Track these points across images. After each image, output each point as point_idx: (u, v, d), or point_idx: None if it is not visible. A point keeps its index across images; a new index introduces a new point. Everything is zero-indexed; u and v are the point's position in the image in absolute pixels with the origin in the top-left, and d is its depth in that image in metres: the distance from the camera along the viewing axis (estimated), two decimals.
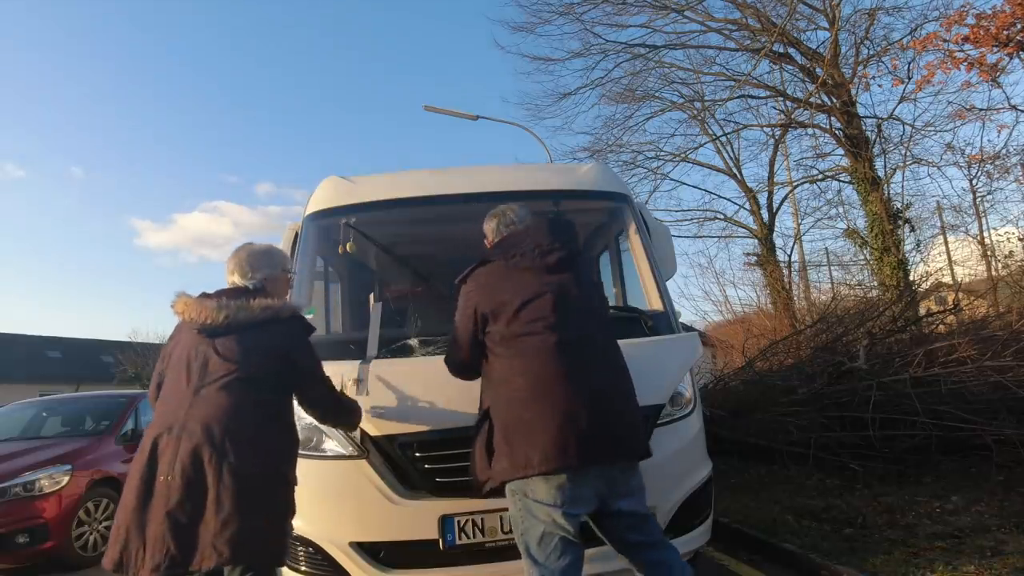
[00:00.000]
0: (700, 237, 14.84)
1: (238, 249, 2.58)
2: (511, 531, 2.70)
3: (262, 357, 2.30)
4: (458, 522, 2.71)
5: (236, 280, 2.49)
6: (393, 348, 3.03)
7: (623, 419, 2.28)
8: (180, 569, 2.05)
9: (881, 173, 11.03)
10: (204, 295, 2.41)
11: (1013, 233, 9.93)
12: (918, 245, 11.57)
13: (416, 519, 2.72)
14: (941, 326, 7.00)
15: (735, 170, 14.49)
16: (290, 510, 2.32)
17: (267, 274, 2.53)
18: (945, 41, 8.94)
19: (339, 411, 2.58)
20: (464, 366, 2.53)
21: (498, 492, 2.31)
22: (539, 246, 2.40)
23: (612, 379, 2.34)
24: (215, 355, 2.27)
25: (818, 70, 11.19)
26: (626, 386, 2.37)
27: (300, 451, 2.84)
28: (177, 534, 2.04)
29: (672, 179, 14.20)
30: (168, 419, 2.21)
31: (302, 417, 2.85)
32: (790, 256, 14.41)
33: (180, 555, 2.03)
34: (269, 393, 2.30)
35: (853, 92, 11.10)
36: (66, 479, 5.38)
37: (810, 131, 12.45)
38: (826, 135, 11.79)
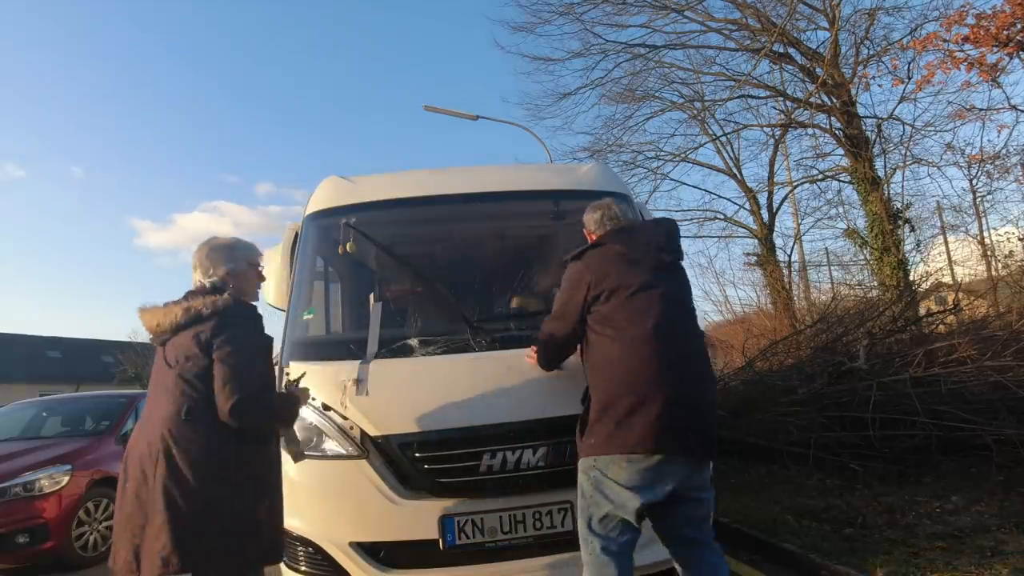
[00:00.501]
0: (700, 237, 14.84)
1: (201, 244, 2.51)
2: (511, 531, 2.71)
3: (190, 360, 2.25)
4: (458, 522, 2.71)
5: (198, 277, 2.44)
6: (393, 348, 3.02)
7: (708, 418, 2.40)
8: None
9: (881, 173, 11.02)
10: (168, 303, 2.39)
11: (1013, 233, 9.92)
12: (918, 245, 11.57)
13: (416, 519, 2.72)
14: (941, 326, 7.00)
15: (735, 170, 14.48)
16: (242, 515, 2.20)
17: (230, 269, 2.44)
18: (945, 41, 8.93)
19: (246, 412, 2.22)
20: (565, 340, 2.62)
21: None
22: (657, 244, 2.56)
23: (701, 380, 2.46)
24: (162, 362, 2.33)
25: (818, 70, 11.19)
26: (711, 389, 2.51)
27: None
28: (128, 543, 2.11)
29: (672, 179, 14.21)
30: (138, 426, 2.33)
31: (303, 417, 2.86)
32: (790, 256, 14.41)
33: (135, 563, 2.09)
34: (205, 395, 2.21)
35: (853, 92, 11.09)
36: (66, 479, 5.38)
37: (810, 131, 12.45)
38: (826, 135, 11.79)
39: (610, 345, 2.39)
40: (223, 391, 2.19)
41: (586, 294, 2.49)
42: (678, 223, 2.89)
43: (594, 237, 2.75)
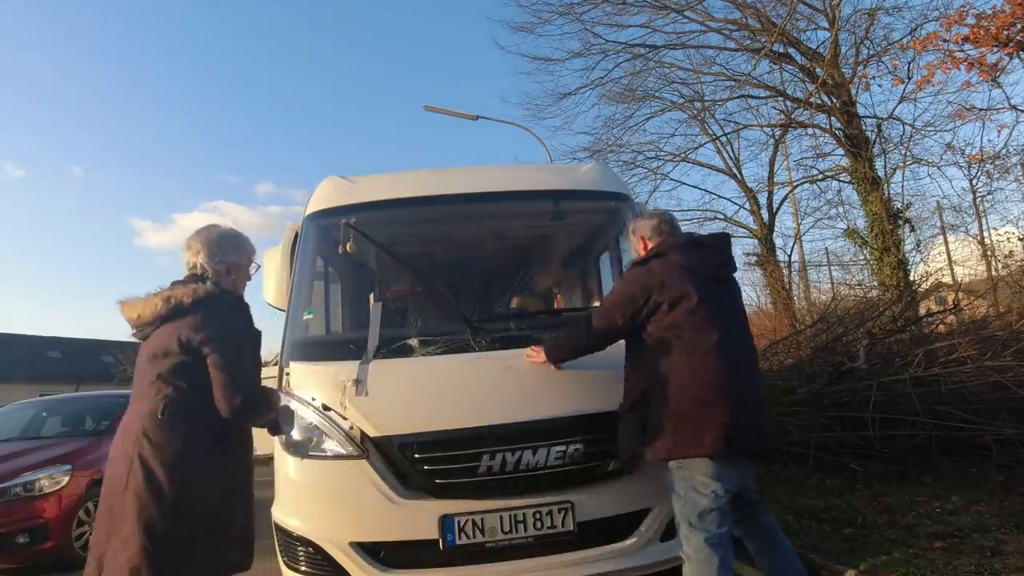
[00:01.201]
0: None
1: (207, 228, 2.42)
2: (511, 531, 2.71)
3: (169, 355, 2.13)
4: (458, 522, 2.71)
5: (200, 261, 2.32)
6: (393, 348, 3.02)
7: (766, 419, 2.73)
8: None
9: (881, 173, 11.02)
10: (151, 294, 2.28)
11: (1013, 233, 9.91)
12: (918, 245, 11.57)
13: (416, 519, 2.72)
14: (941, 326, 6.99)
15: (735, 170, 14.49)
16: (216, 519, 2.11)
17: (236, 260, 2.41)
18: (945, 41, 8.93)
19: (249, 410, 2.21)
20: (611, 334, 2.74)
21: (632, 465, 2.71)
22: (715, 258, 2.77)
23: (759, 383, 2.76)
24: (142, 358, 2.21)
25: (818, 70, 11.18)
26: (762, 390, 2.76)
27: (300, 451, 2.86)
28: (98, 548, 2.02)
29: (672, 179, 14.21)
30: (118, 430, 2.21)
31: (302, 417, 2.86)
32: (790, 256, 14.42)
33: (98, 572, 2.01)
34: (185, 393, 2.12)
35: (853, 92, 11.09)
36: (66, 479, 5.38)
37: (810, 131, 12.45)
38: (826, 135, 11.78)
39: (677, 353, 2.55)
40: (224, 389, 2.11)
41: (648, 300, 2.62)
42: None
43: (649, 243, 2.88)
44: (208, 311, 2.16)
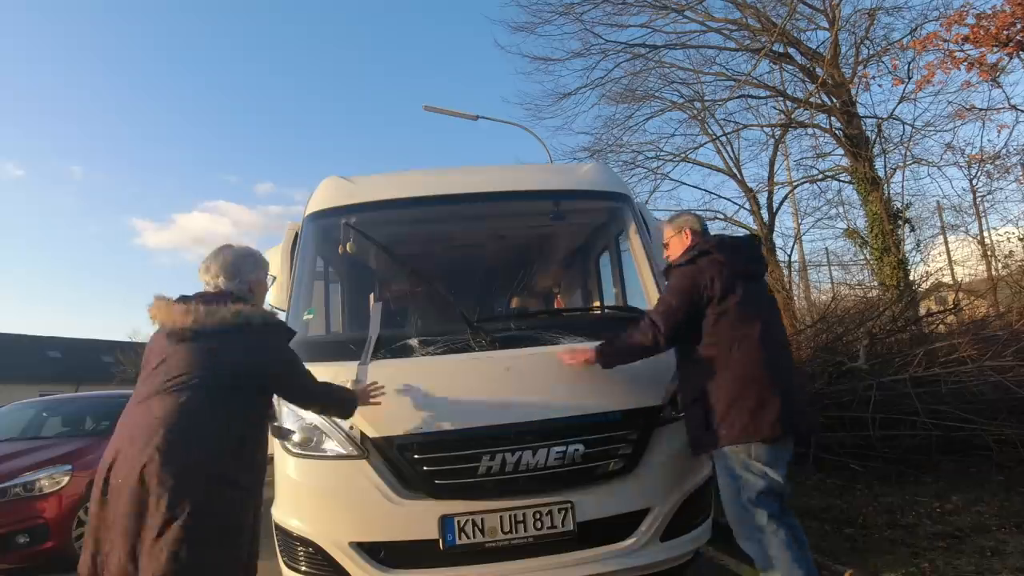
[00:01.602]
0: None
1: (221, 250, 2.49)
2: (511, 531, 2.71)
3: (226, 365, 2.22)
4: (458, 522, 2.71)
5: (220, 283, 2.41)
6: (393, 348, 3.02)
7: (804, 404, 2.95)
8: None
9: (881, 173, 11.03)
10: (182, 298, 2.33)
11: (1013, 233, 9.91)
12: (918, 245, 11.59)
13: (416, 519, 2.72)
14: (941, 326, 6.99)
15: (735, 170, 14.47)
16: (240, 521, 2.18)
17: (256, 278, 2.52)
18: (945, 41, 8.93)
19: (329, 403, 2.61)
20: (678, 333, 2.80)
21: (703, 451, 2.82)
22: (752, 257, 2.97)
23: (796, 374, 3.06)
24: (177, 359, 2.20)
25: (818, 70, 11.18)
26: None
27: (300, 451, 2.86)
28: (125, 541, 1.99)
29: (672, 179, 14.19)
30: (123, 428, 2.19)
31: (302, 417, 2.86)
32: (790, 256, 14.40)
33: (131, 565, 1.98)
34: (230, 401, 2.21)
35: (853, 92, 11.09)
36: (66, 479, 5.38)
37: (810, 131, 12.45)
38: (826, 135, 11.78)
39: (730, 346, 2.69)
40: (297, 397, 2.52)
41: (702, 297, 2.75)
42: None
43: (689, 240, 3.01)
44: (276, 333, 2.39)
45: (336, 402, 2.62)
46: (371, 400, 2.74)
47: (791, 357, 2.97)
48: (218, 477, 2.12)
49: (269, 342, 2.35)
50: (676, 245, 3.08)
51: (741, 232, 14.42)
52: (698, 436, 2.79)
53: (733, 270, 2.79)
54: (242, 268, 2.46)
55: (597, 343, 2.91)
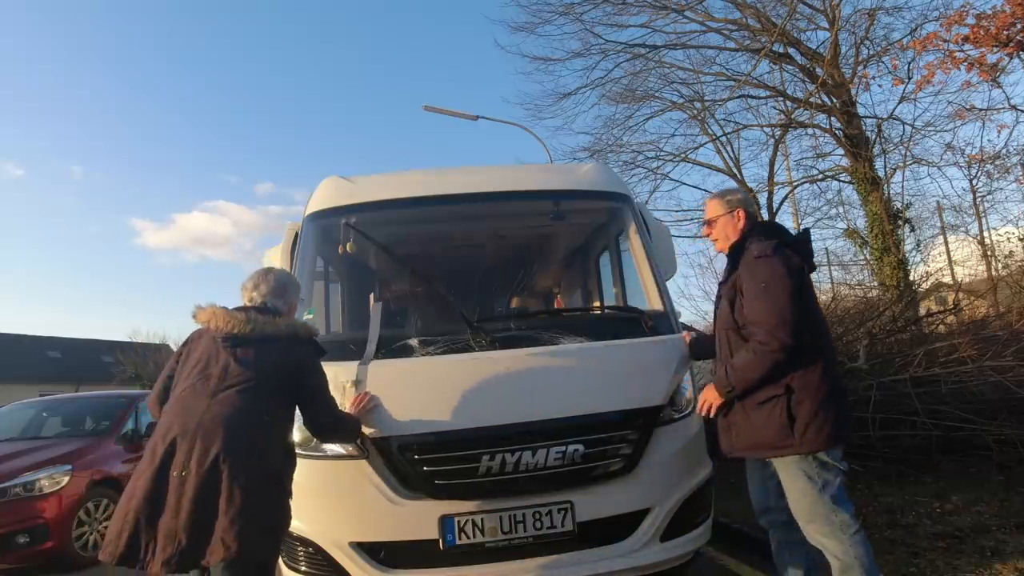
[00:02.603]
0: (700, 237, 14.76)
1: (269, 271, 2.75)
2: (511, 531, 2.71)
3: (278, 369, 2.43)
4: (458, 522, 2.71)
5: (267, 300, 2.64)
6: (393, 348, 3.02)
7: None
8: (189, 563, 2.11)
9: (881, 173, 11.03)
10: (237, 308, 2.55)
11: (1013, 233, 9.90)
12: (918, 245, 11.58)
13: (416, 519, 2.72)
14: (941, 326, 6.99)
15: (735, 170, 14.45)
16: (286, 517, 2.39)
17: (293, 301, 2.76)
18: (945, 41, 8.93)
19: (337, 430, 2.69)
20: (798, 327, 2.45)
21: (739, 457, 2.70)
22: (811, 255, 2.75)
23: None
24: (235, 362, 2.39)
25: (818, 70, 11.19)
26: None
27: (300, 451, 2.86)
28: (190, 528, 2.11)
29: (672, 179, 14.16)
30: (185, 418, 2.30)
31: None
32: None
33: (190, 549, 2.10)
34: (278, 404, 2.42)
35: (853, 92, 11.09)
36: (66, 479, 5.38)
37: (810, 131, 12.44)
38: (826, 135, 11.78)
39: (818, 346, 2.53)
40: (329, 410, 2.58)
41: (800, 287, 2.52)
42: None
43: (743, 223, 2.75)
44: (315, 348, 2.60)
45: (348, 427, 2.71)
46: (362, 408, 2.80)
47: None
48: (275, 477, 2.34)
49: (314, 354, 2.58)
50: (727, 226, 2.77)
51: None
52: (767, 438, 2.53)
53: (800, 263, 2.59)
54: (287, 290, 2.71)
55: (723, 382, 2.63)
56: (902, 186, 11.41)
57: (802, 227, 14.14)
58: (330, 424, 2.61)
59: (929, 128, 10.71)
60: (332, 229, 3.56)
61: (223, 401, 2.31)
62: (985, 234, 11.20)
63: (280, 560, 2.91)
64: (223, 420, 2.26)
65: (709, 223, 2.84)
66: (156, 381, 2.66)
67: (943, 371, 5.32)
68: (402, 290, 4.75)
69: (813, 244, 2.88)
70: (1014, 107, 9.51)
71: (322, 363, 2.57)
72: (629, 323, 3.26)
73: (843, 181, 12.39)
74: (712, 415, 2.73)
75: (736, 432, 2.65)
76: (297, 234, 3.76)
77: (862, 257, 12.28)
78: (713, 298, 3.04)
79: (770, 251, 2.53)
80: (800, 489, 2.55)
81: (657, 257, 3.67)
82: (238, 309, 2.54)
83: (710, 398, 2.71)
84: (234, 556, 2.10)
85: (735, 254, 2.72)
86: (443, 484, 2.74)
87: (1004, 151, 10.09)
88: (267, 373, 2.41)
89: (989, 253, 10.53)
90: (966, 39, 8.53)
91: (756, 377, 2.52)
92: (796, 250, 2.62)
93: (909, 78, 10.26)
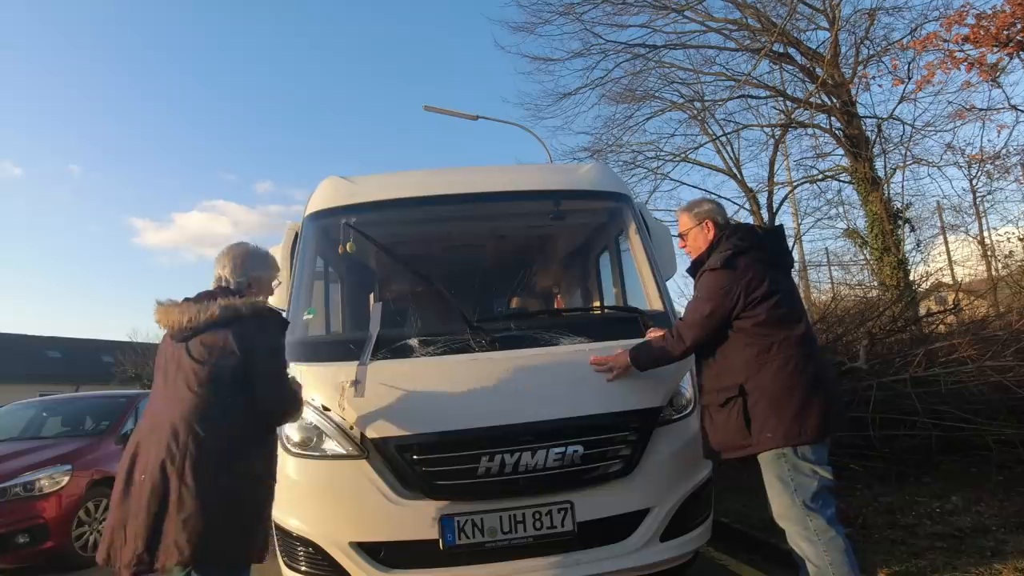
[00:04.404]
0: None
1: (234, 246, 2.63)
2: (511, 531, 2.71)
3: (223, 356, 2.31)
4: (458, 522, 2.71)
5: (226, 274, 2.54)
6: (393, 348, 3.02)
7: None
8: (146, 567, 2.10)
9: (881, 173, 11.03)
10: (186, 300, 2.46)
11: (1013, 233, 9.92)
12: (918, 245, 11.60)
13: (416, 519, 2.71)
14: (941, 326, 6.99)
15: (735, 170, 14.48)
16: (259, 508, 2.33)
17: (260, 275, 2.61)
18: (945, 41, 8.93)
19: (282, 416, 2.53)
20: (703, 339, 2.71)
21: (737, 458, 2.68)
22: (785, 249, 2.86)
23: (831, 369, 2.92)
24: (185, 357, 2.33)
25: (818, 70, 11.19)
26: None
27: (300, 451, 2.86)
28: (146, 532, 2.11)
29: (672, 179, 14.21)
30: (148, 420, 2.33)
31: (302, 417, 2.86)
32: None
33: (147, 553, 2.10)
34: (236, 391, 2.31)
35: (853, 92, 11.10)
36: (66, 479, 5.38)
37: (810, 131, 12.46)
38: (826, 135, 11.80)
39: (771, 346, 2.58)
40: (269, 389, 2.36)
41: (736, 302, 2.62)
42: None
43: (712, 233, 2.85)
44: (261, 321, 2.41)
45: (293, 410, 2.57)
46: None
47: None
48: (230, 468, 2.22)
49: (257, 330, 2.39)
50: (697, 238, 2.90)
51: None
52: (729, 439, 2.64)
53: (772, 266, 2.69)
54: (246, 263, 2.57)
55: (628, 347, 2.88)
56: (902, 186, 11.43)
57: (801, 226, 14.18)
58: (272, 410, 2.42)
59: (929, 128, 10.74)
60: (332, 229, 3.56)
61: (177, 399, 2.27)
62: (985, 234, 11.23)
63: (280, 560, 2.91)
64: (175, 418, 2.22)
65: (682, 236, 3.00)
66: None
67: (943, 371, 5.32)
68: (402, 290, 4.75)
69: (810, 243, 2.93)
70: (1014, 107, 9.52)
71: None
72: (629, 323, 3.25)
73: (843, 181, 12.42)
74: (611, 378, 2.88)
75: (705, 435, 2.76)
76: (297, 234, 3.76)
77: (862, 257, 12.31)
78: None
79: (719, 264, 2.68)
80: (775, 490, 2.62)
81: (657, 257, 3.66)
82: (196, 296, 2.46)
83: (618, 363, 2.87)
84: (187, 560, 2.08)
85: (697, 266, 2.88)
86: (443, 484, 2.74)
87: (1004, 151, 10.10)
88: (213, 362, 2.30)
89: (989, 253, 10.55)
90: (966, 39, 8.53)
91: (652, 360, 2.84)
92: (763, 249, 2.71)
93: (909, 78, 10.27)
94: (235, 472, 2.24)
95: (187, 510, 2.10)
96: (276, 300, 3.72)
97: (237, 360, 2.31)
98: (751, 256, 2.68)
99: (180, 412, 2.24)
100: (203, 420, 2.23)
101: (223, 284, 2.53)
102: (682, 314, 2.87)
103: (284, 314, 3.41)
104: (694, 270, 2.88)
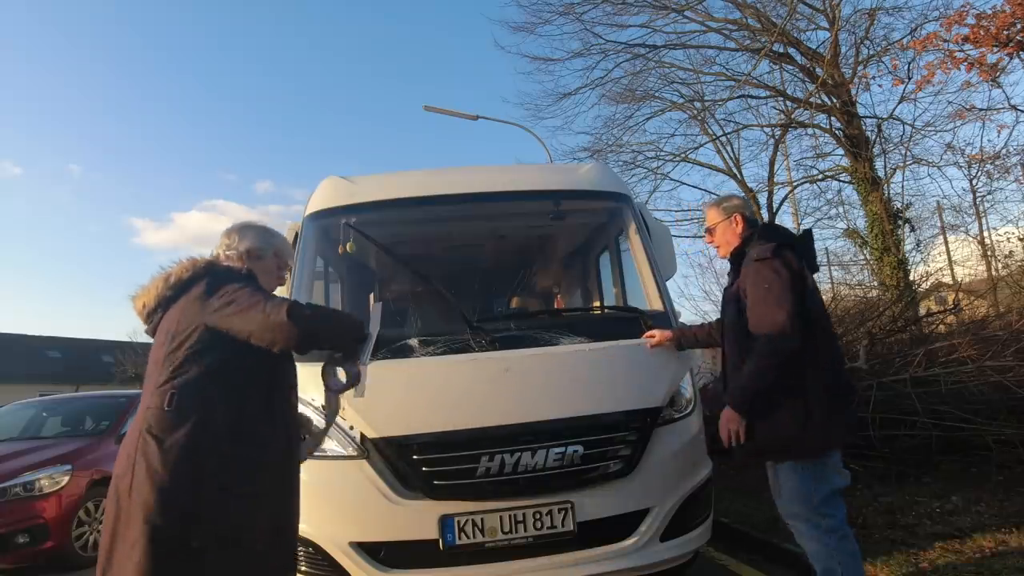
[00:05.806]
0: (700, 237, 14.78)
1: (236, 223, 2.34)
2: (511, 531, 2.71)
3: (176, 336, 1.93)
4: (458, 522, 2.71)
5: (219, 251, 2.21)
6: (393, 348, 3.02)
7: None
8: None
9: (881, 173, 11.02)
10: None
11: (1013, 233, 9.90)
12: (918, 245, 11.58)
13: (416, 519, 2.72)
14: (941, 326, 6.98)
15: (735, 170, 14.45)
16: (230, 532, 1.86)
17: (253, 247, 2.19)
18: (945, 41, 8.92)
19: (303, 319, 1.95)
20: (798, 333, 2.44)
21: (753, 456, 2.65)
22: (814, 256, 2.76)
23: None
24: (151, 352, 2.02)
25: (818, 70, 11.18)
26: None
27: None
28: (105, 548, 1.84)
29: (672, 179, 14.16)
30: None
31: (302, 413, 2.85)
32: None
33: (107, 570, 1.83)
34: (194, 380, 1.90)
35: (853, 92, 11.09)
36: (66, 479, 5.39)
37: (810, 131, 12.44)
38: (826, 135, 11.78)
39: (816, 345, 2.48)
40: (263, 311, 1.86)
41: (801, 290, 2.51)
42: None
43: (741, 227, 2.81)
44: (212, 277, 1.99)
45: (344, 329, 2.13)
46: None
47: None
48: (199, 478, 1.83)
49: (199, 292, 1.96)
50: (726, 232, 2.82)
51: None
52: (770, 442, 2.51)
53: (809, 265, 2.61)
54: (237, 235, 2.20)
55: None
56: (902, 186, 11.42)
57: (802, 227, 14.17)
58: (281, 316, 1.86)
59: (929, 128, 10.72)
60: (332, 229, 3.56)
61: (143, 398, 1.96)
62: (985, 234, 11.21)
63: None
64: (135, 422, 1.92)
65: (709, 231, 2.93)
66: None
67: (943, 371, 5.32)
68: (402, 290, 4.75)
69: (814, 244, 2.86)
70: (1014, 107, 9.50)
71: (313, 357, 2.31)
72: (629, 323, 3.25)
73: (843, 181, 12.40)
74: (742, 440, 2.54)
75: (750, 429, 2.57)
76: (297, 234, 3.76)
77: (862, 257, 12.29)
78: (713, 298, 3.06)
79: (769, 253, 2.53)
80: (790, 489, 2.59)
81: (657, 257, 3.67)
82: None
83: (732, 425, 2.54)
84: None
85: (737, 259, 2.75)
86: (443, 484, 2.74)
87: (1004, 151, 10.08)
88: (168, 347, 1.91)
89: (989, 253, 10.53)
90: (966, 39, 8.52)
91: (763, 387, 2.48)
92: (797, 251, 2.61)
93: (909, 78, 10.26)
94: (193, 482, 1.83)
95: (135, 531, 1.77)
96: None
97: (188, 338, 1.92)
98: (793, 253, 2.59)
99: (141, 412, 1.95)
100: (159, 419, 1.87)
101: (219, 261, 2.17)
102: (752, 324, 2.54)
103: None
104: (736, 261, 2.73)
